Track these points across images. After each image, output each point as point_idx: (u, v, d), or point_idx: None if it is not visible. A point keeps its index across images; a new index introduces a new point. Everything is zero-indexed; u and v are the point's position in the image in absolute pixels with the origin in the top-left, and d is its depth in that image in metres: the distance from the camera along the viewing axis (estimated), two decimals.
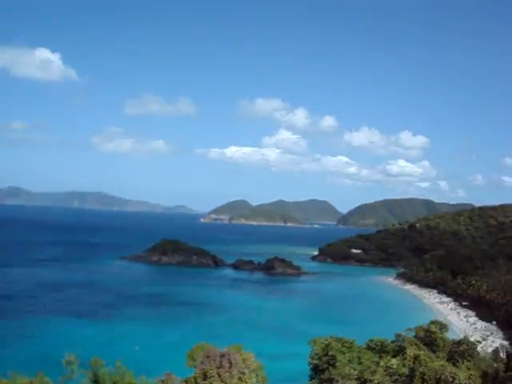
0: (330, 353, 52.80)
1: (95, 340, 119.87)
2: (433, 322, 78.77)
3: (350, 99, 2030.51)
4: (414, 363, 48.92)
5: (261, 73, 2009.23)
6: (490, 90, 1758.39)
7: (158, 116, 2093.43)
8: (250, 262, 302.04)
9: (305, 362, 58.33)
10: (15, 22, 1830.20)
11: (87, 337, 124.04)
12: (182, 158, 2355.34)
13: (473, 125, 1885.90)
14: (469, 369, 53.16)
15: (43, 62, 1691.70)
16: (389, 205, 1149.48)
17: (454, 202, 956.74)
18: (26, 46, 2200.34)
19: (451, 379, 43.02)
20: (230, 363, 33.30)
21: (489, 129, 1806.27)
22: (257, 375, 34.98)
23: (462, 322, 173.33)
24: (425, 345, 64.82)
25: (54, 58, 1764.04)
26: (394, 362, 50.97)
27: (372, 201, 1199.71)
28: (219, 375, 32.59)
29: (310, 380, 51.98)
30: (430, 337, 68.23)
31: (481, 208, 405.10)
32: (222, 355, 33.86)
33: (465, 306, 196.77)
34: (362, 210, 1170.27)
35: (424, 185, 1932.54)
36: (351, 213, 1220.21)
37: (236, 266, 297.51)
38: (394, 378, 47.24)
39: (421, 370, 45.35)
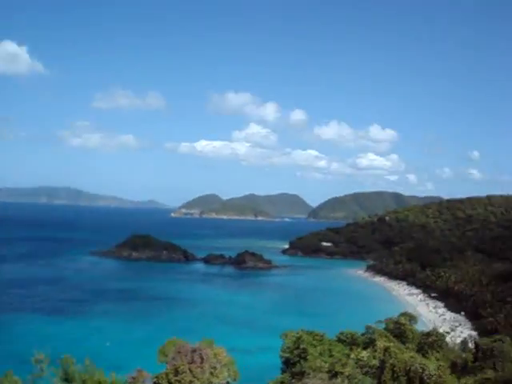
0: (301, 346, 53.03)
1: (65, 337, 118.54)
2: (402, 314, 79.75)
3: (319, 93, 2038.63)
4: (384, 355, 49.33)
5: (231, 66, 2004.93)
6: (456, 84, 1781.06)
7: (127, 110, 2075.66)
8: (221, 256, 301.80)
9: (276, 355, 58.51)
10: None
11: (57, 334, 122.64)
12: (151, 153, 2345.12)
13: (440, 118, 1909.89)
14: (438, 360, 53.89)
15: (10, 55, 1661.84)
16: (358, 198, 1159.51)
17: (423, 195, 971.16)
18: None
19: (421, 370, 43.48)
20: (202, 358, 33.23)
21: (456, 122, 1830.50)
22: (228, 370, 34.97)
23: (431, 313, 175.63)
24: (395, 337, 65.49)
25: (21, 51, 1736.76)
26: (365, 354, 51.39)
27: (342, 194, 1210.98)
28: (191, 371, 32.49)
29: (282, 373, 52.14)
30: (400, 329, 69.02)
31: (449, 201, 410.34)
32: (194, 350, 33.75)
33: (434, 298, 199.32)
34: (332, 204, 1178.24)
35: (393, 178, 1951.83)
36: (321, 206, 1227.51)
37: (207, 261, 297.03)
38: (365, 370, 47.64)
39: (391, 361, 45.76)
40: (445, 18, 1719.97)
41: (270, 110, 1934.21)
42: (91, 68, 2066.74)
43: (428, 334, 65.67)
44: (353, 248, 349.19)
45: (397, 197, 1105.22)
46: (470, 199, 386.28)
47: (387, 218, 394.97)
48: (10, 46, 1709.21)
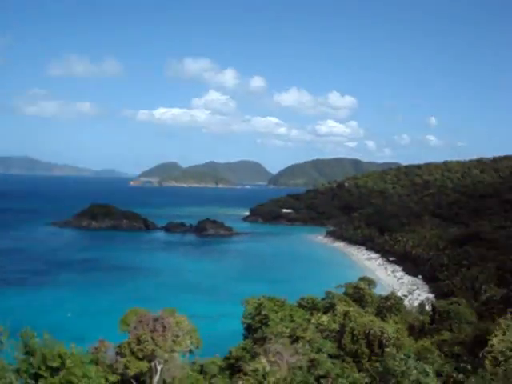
0: (262, 312, 53.53)
1: (26, 309, 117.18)
2: (361, 279, 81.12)
3: (279, 60, 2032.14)
4: (343, 319, 50.28)
5: (189, 32, 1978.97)
6: (414, 51, 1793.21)
7: (84, 77, 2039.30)
8: (182, 224, 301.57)
9: (238, 322, 58.99)
10: None
11: (17, 306, 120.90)
12: (109, 121, 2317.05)
13: (399, 85, 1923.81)
14: (396, 323, 55.12)
15: None
16: (318, 165, 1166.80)
17: (381, 161, 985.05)
18: None
19: (379, 333, 44.51)
20: (164, 327, 33.29)
21: (414, 89, 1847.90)
22: (191, 337, 35.12)
23: (389, 277, 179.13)
24: (354, 301, 66.68)
25: None
26: (325, 318, 52.27)
27: (302, 161, 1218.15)
28: (153, 339, 32.59)
29: (244, 339, 52.65)
30: (359, 293, 70.29)
31: (407, 167, 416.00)
32: (156, 319, 33.78)
33: (392, 262, 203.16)
34: (292, 171, 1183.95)
35: (352, 144, 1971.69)
36: (282, 173, 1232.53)
37: (168, 229, 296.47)
38: (325, 334, 48.47)
39: (350, 325, 46.66)
40: None
41: (229, 77, 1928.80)
42: (45, 35, 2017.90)
43: (386, 298, 66.97)
44: (313, 214, 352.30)
45: (356, 163, 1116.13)
46: (427, 165, 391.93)
47: (346, 184, 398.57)
48: None
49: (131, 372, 31.99)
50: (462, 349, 46.55)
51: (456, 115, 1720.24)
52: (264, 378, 32.48)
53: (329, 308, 60.29)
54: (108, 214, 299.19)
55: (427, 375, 30.86)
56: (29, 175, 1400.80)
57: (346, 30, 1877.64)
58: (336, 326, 49.52)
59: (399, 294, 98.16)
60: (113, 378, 30.30)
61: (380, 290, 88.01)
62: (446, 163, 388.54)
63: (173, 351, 33.80)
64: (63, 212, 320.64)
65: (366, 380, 36.82)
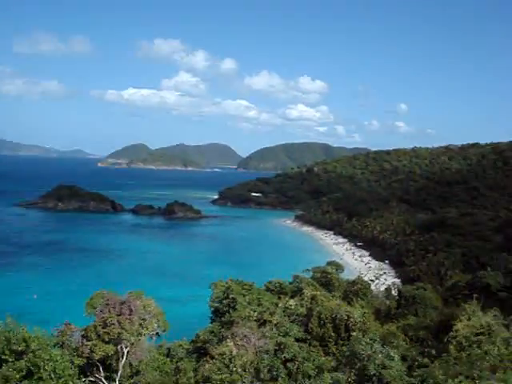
0: (230, 296, 53.44)
1: None
2: (329, 263, 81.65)
3: (249, 42, 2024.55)
4: (311, 303, 50.44)
5: (159, 11, 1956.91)
6: (385, 37, 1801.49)
7: (51, 55, 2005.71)
8: (150, 206, 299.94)
9: (206, 305, 58.94)
10: None
11: None
12: (77, 100, 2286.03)
13: (369, 71, 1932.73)
14: (363, 307, 55.51)
15: None
16: (288, 149, 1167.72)
17: (351, 147, 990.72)
18: None
19: (346, 317, 44.77)
20: (131, 310, 33.01)
21: (385, 75, 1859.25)
22: (158, 321, 34.92)
23: (356, 262, 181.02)
24: (321, 285, 67.05)
25: None
26: (292, 302, 52.39)
27: (272, 145, 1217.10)
28: (119, 322, 32.29)
29: (211, 323, 52.59)
30: (327, 277, 70.69)
31: (376, 152, 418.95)
32: (122, 302, 33.45)
33: (359, 247, 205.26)
34: (262, 154, 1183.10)
35: (322, 129, 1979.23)
36: (251, 157, 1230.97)
37: (135, 211, 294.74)
38: (292, 318, 48.60)
39: (317, 309, 46.85)
40: None
41: (200, 58, 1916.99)
42: (11, 12, 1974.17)
43: (353, 283, 67.45)
44: (282, 198, 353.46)
45: (326, 148, 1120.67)
46: (396, 151, 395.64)
47: (316, 168, 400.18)
48: None
49: (97, 355, 31.67)
50: (427, 333, 47.19)
51: (426, 103, 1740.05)
52: (231, 362, 32.44)
53: (296, 292, 60.50)
54: (75, 195, 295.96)
55: (392, 359, 31.18)
56: None
57: (319, 14, 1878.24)
58: (303, 310, 49.68)
59: (366, 278, 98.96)
60: (78, 361, 29.94)
61: (347, 275, 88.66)
62: (414, 150, 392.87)
63: (139, 334, 33.57)
64: (29, 193, 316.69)
65: (333, 364, 37.10)
